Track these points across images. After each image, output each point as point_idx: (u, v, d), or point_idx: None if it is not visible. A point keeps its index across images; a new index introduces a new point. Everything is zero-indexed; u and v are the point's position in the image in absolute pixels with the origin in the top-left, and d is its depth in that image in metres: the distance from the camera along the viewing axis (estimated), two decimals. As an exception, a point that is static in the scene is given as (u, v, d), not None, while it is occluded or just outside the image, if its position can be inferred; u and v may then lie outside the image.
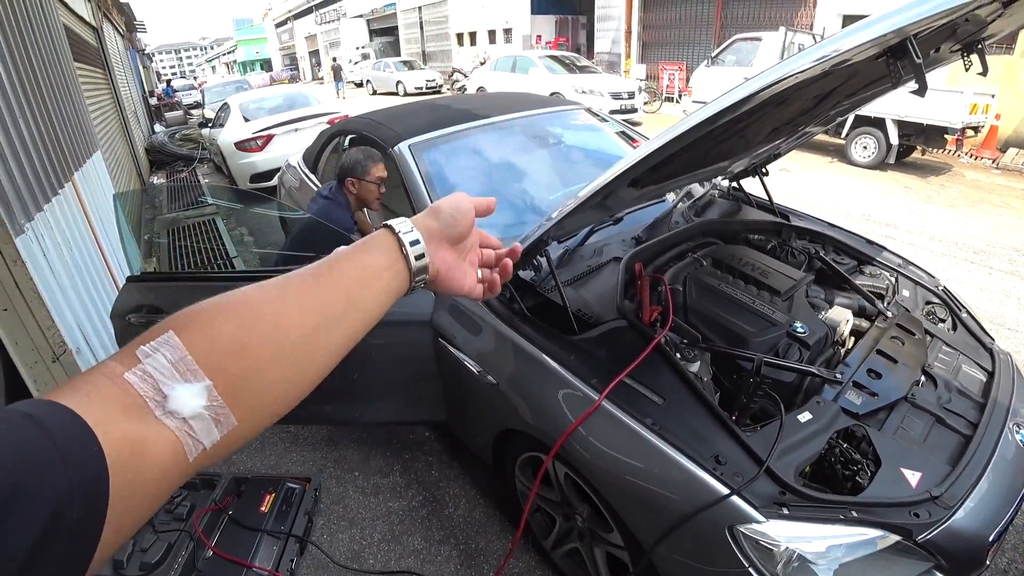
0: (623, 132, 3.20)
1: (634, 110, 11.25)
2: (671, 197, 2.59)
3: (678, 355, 1.63)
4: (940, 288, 2.33)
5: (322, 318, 0.51)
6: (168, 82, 28.95)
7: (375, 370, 2.23)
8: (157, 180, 9.74)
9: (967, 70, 2.00)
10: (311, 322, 0.50)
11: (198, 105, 17.67)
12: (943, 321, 2.19)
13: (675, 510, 1.38)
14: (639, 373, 1.55)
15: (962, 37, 1.83)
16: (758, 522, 1.30)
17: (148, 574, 1.97)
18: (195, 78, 55.09)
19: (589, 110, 3.26)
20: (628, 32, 16.72)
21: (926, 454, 1.53)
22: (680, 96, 13.89)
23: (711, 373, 1.70)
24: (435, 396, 2.21)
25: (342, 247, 0.58)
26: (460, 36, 25.10)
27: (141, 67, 19.49)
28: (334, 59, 30.53)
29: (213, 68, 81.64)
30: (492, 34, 22.82)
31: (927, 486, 1.42)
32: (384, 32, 32.82)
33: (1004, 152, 9.70)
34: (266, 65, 56.02)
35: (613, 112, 10.04)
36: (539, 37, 20.75)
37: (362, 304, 0.55)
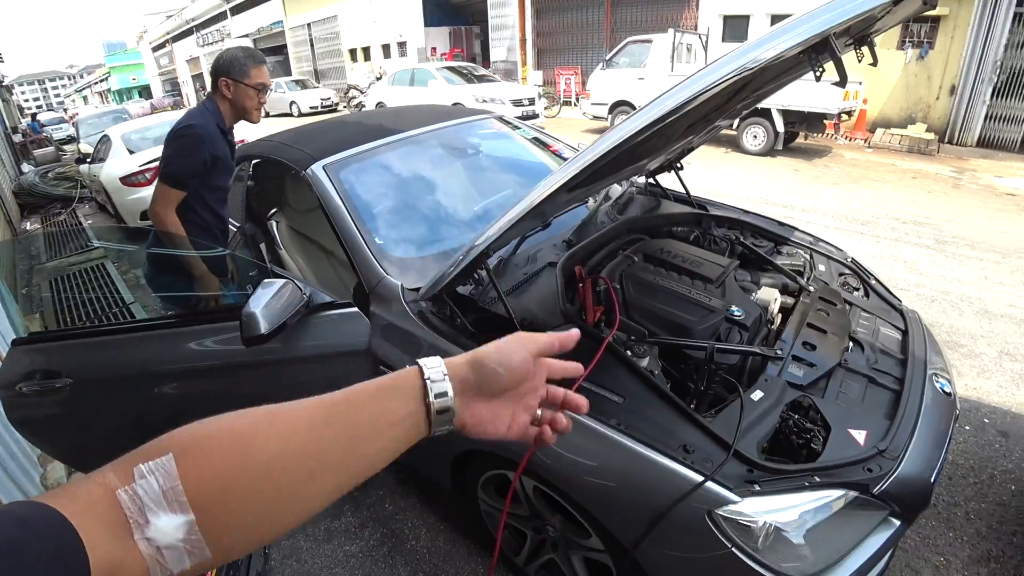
0: (536, 138, 3.22)
1: (535, 116, 11.48)
2: (592, 199, 2.62)
3: (628, 352, 1.64)
4: (849, 260, 2.51)
5: (320, 464, 0.48)
6: (33, 116, 26.49)
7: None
8: (31, 226, 8.85)
9: (860, 61, 2.16)
10: (307, 467, 0.48)
11: (72, 139, 16.25)
12: (857, 290, 2.35)
13: (653, 505, 1.38)
14: (594, 376, 1.54)
15: (854, 32, 1.98)
16: (734, 503, 1.33)
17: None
18: (65, 110, 50.71)
19: (501, 118, 3.26)
20: (523, 40, 17.07)
21: (866, 413, 1.63)
22: (578, 99, 14.32)
23: (660, 366, 1.73)
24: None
25: (365, 383, 0.54)
26: (353, 52, 24.63)
27: (1, 101, 17.68)
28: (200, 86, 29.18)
29: (85, 98, 75.44)
30: (386, 48, 22.55)
31: (873, 442, 1.51)
32: (273, 51, 31.58)
33: (873, 132, 10.71)
34: (145, 92, 52.41)
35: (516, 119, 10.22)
36: (434, 49, 20.73)
37: (368, 453, 0.52)
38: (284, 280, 1.81)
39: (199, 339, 1.97)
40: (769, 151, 9.08)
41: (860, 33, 1.89)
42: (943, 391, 1.86)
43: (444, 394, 0.54)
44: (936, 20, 10.20)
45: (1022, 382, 3.25)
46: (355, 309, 1.96)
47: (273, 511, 0.46)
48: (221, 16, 33.27)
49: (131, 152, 7.04)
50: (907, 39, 10.64)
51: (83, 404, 1.96)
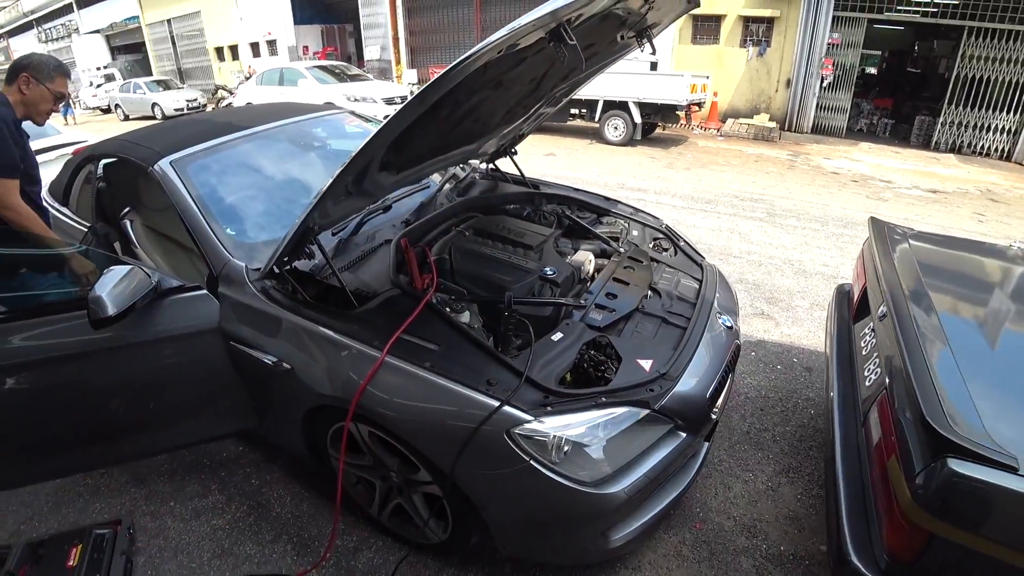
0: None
1: (408, 114, 11.57)
2: (436, 180, 2.86)
3: (448, 309, 1.89)
4: (663, 227, 2.91)
5: None
6: None
7: (171, 391, 2.18)
8: None
9: (641, 51, 2.52)
10: None
11: None
12: (666, 251, 2.74)
13: (463, 432, 1.62)
14: (416, 329, 1.78)
15: (632, 26, 2.32)
16: (528, 422, 1.60)
17: None
18: None
19: (353, 113, 3.41)
20: (396, 38, 17.03)
21: (656, 346, 1.98)
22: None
23: (481, 321, 2.00)
24: (239, 404, 2.22)
25: None
26: (220, 50, 23.23)
27: None
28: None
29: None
30: (255, 47, 21.49)
31: (657, 368, 1.84)
32: (129, 49, 29.06)
33: (724, 122, 11.81)
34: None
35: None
36: (306, 48, 20.10)
37: None
38: (130, 266, 1.89)
39: (48, 328, 1.99)
40: (630, 141, 9.81)
41: (637, 27, 2.22)
42: (725, 325, 2.26)
43: None
44: (771, 21, 11.43)
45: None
46: (204, 291, 2.07)
47: None
48: (67, 9, 30.07)
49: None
50: (748, 38, 11.82)
51: None
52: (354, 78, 12.64)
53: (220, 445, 2.79)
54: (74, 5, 29.17)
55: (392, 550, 2.19)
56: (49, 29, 32.74)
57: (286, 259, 1.92)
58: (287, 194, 2.63)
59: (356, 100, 10.91)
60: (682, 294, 2.34)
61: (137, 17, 26.03)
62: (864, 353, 2.29)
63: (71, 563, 2.04)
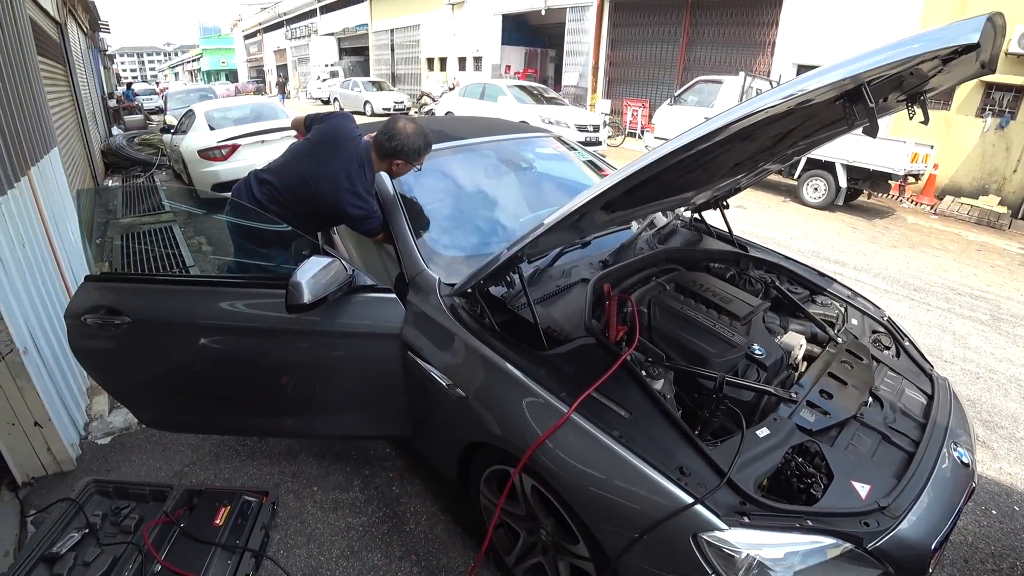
0: (591, 161, 3.30)
1: (599, 143, 11.56)
2: (635, 225, 2.69)
3: (643, 372, 1.70)
4: (885, 319, 2.48)
5: None
6: (129, 85, 28.19)
7: (338, 382, 2.22)
8: (112, 183, 9.45)
9: (911, 118, 2.17)
10: None
11: (159, 111, 17.22)
12: (888, 349, 2.32)
13: (642, 519, 1.42)
14: (606, 388, 1.60)
15: (907, 89, 2.00)
16: (721, 530, 1.36)
17: (91, 590, 1.89)
18: (157, 83, 53.68)
19: (559, 138, 3.36)
20: (595, 67, 17.25)
21: (874, 468, 1.63)
22: (643, 132, 14.37)
23: (674, 391, 1.77)
24: (399, 411, 2.21)
25: None
26: (431, 61, 25.34)
27: (102, 68, 18.94)
28: (279, 75, 30.88)
29: (176, 75, 79.79)
30: (462, 61, 23.14)
31: (875, 498, 1.51)
32: (354, 51, 32.82)
33: (941, 199, 10.35)
34: (232, 76, 55.12)
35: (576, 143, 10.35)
36: (508, 67, 21.16)
37: None
38: (331, 258, 1.94)
39: (247, 301, 2.13)
40: (829, 205, 8.89)
41: (913, 90, 1.91)
42: (960, 460, 1.83)
43: None
44: (1021, 90, 9.85)
45: (1061, 474, 3.11)
46: (393, 295, 2.08)
47: None
48: (311, 13, 34.83)
49: (212, 128, 7.49)
50: (988, 107, 10.29)
51: (136, 343, 2.14)
52: (550, 101, 12.94)
53: (370, 443, 2.83)
54: (318, 10, 33.62)
55: (519, 607, 2.03)
56: (295, 28, 38.05)
57: (482, 282, 1.85)
58: (486, 210, 2.61)
59: (550, 122, 11.14)
60: (907, 408, 1.94)
61: (366, 24, 29.28)
62: None
63: (218, 521, 2.15)
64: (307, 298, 1.81)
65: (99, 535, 2.07)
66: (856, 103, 1.33)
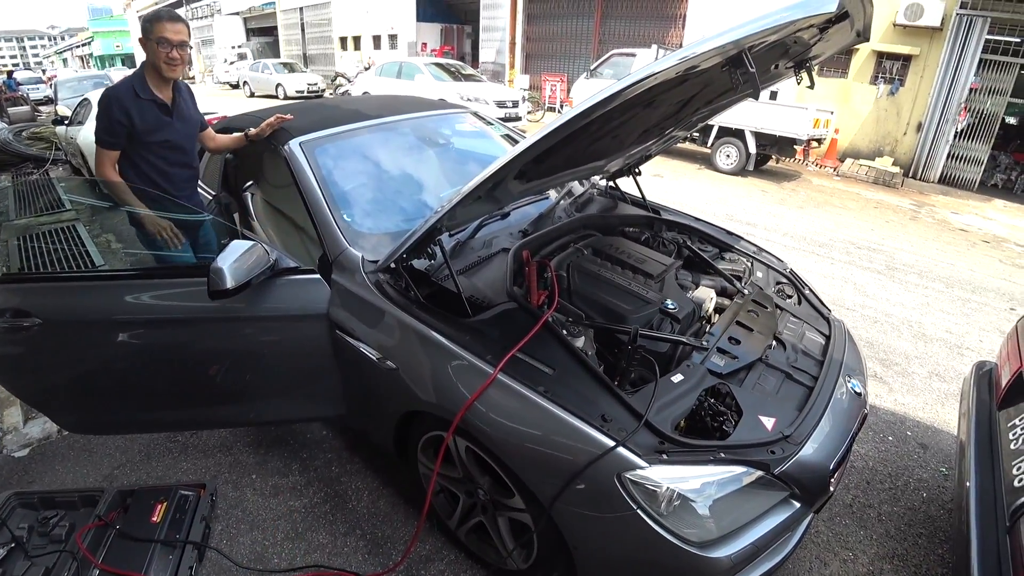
0: (508, 135, 3.36)
1: (518, 118, 11.65)
2: (553, 194, 2.77)
3: (564, 331, 1.79)
4: (788, 270, 2.69)
5: None
6: (10, 74, 25.67)
7: (269, 367, 2.20)
8: (1, 183, 8.68)
9: (799, 83, 2.35)
10: None
11: (49, 101, 15.87)
12: (790, 297, 2.53)
13: (570, 466, 1.52)
14: (530, 349, 1.69)
15: (793, 56, 2.16)
16: (642, 468, 1.47)
17: (23, 601, 1.82)
18: (43, 71, 49.21)
19: (476, 114, 3.39)
20: (512, 43, 17.22)
21: (778, 403, 1.80)
22: (562, 106, 14.53)
23: (595, 348, 1.88)
24: (332, 390, 2.22)
25: None
26: (344, 40, 24.51)
27: (-25, 56, 17.15)
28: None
29: (64, 61, 73.16)
30: (377, 39, 22.52)
31: (780, 428, 1.68)
32: (262, 32, 31.19)
33: (843, 161, 11.10)
34: (128, 60, 51.12)
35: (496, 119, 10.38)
36: (424, 44, 20.77)
37: None
38: (252, 242, 1.92)
39: (166, 291, 2.07)
40: (740, 171, 9.37)
41: (799, 57, 2.07)
42: (854, 391, 2.04)
43: None
44: (908, 59, 10.63)
45: (947, 401, 3.47)
46: (317, 276, 2.08)
47: None
48: (213, -9, 32.77)
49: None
50: (880, 74, 11.06)
51: (50, 345, 2.04)
52: (468, 78, 12.88)
53: (305, 426, 2.82)
54: (219, -13, 31.63)
55: (464, 566, 2.12)
56: (195, 8, 35.67)
57: (405, 256, 1.88)
58: (406, 188, 2.62)
59: (468, 100, 11.08)
60: (807, 349, 2.14)
61: (274, 3, 27.87)
62: (1014, 447, 1.99)
63: (155, 519, 2.11)
64: (230, 283, 1.78)
65: (27, 548, 1.98)
66: (739, 68, 1.43)
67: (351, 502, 2.39)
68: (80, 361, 2.15)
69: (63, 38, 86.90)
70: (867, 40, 2.21)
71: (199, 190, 3.04)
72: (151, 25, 2.37)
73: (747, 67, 1.41)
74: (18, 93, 18.60)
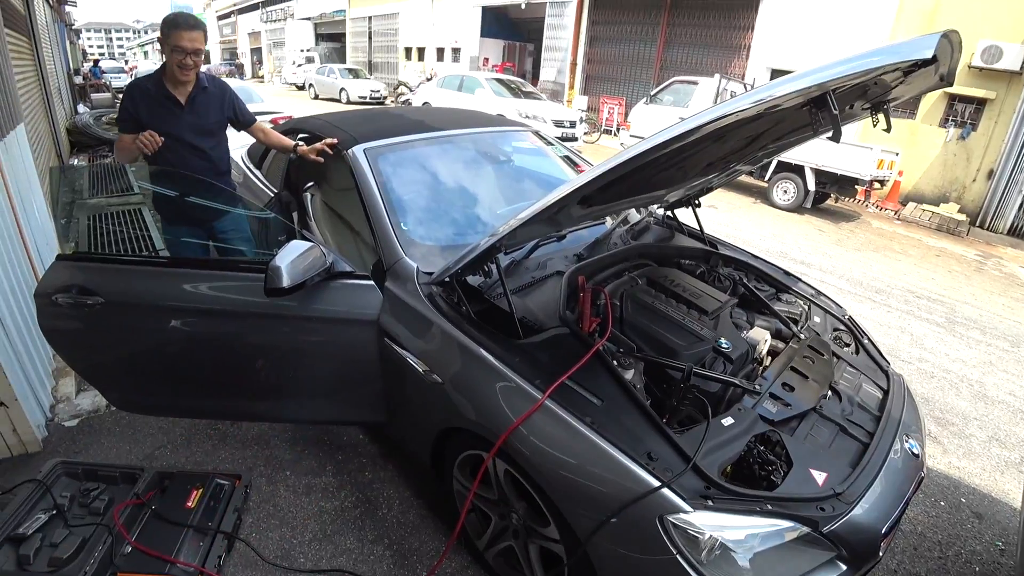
0: (567, 157, 3.35)
1: (575, 139, 11.65)
2: (609, 221, 2.75)
3: (615, 362, 1.75)
4: (846, 317, 2.59)
5: None
6: (96, 62, 27.26)
7: (313, 367, 2.23)
8: (77, 162, 9.17)
9: (875, 126, 2.27)
10: None
11: (128, 90, 16.71)
12: (848, 346, 2.43)
13: (611, 502, 1.48)
14: (579, 377, 1.66)
15: (871, 98, 2.09)
16: (686, 512, 1.42)
17: (58, 570, 1.87)
18: (126, 61, 52.02)
19: (537, 132, 3.40)
20: (573, 64, 17.32)
21: (831, 457, 1.72)
22: (618, 129, 14.50)
23: (644, 381, 1.84)
24: (375, 397, 2.23)
25: None
26: (408, 50, 25.12)
27: (68, 43, 18.30)
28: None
29: (145, 53, 77.23)
30: (441, 52, 23.00)
31: (831, 484, 1.60)
32: (331, 38, 32.31)
33: (905, 205, 10.70)
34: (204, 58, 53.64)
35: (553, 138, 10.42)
36: (486, 59, 21.09)
37: None
38: (311, 243, 1.96)
39: (222, 283, 2.12)
40: (797, 208, 9.13)
41: (877, 99, 2.00)
42: (911, 452, 1.94)
43: None
44: (982, 102, 10.21)
45: (1007, 470, 3.27)
46: (371, 282, 2.10)
47: None
48: (288, -5, 34.14)
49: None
50: (951, 117, 10.65)
51: (109, 324, 2.12)
52: (527, 95, 12.98)
53: (342, 428, 2.85)
54: (294, -8, 32.94)
55: (489, 590, 2.08)
56: (270, 11, 37.23)
57: (460, 271, 1.89)
58: (462, 202, 2.64)
59: (526, 117, 11.15)
60: (864, 402, 2.04)
61: (344, 11, 28.84)
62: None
63: (190, 504, 2.15)
64: (286, 282, 1.82)
65: (67, 516, 2.05)
66: (822, 109, 1.39)
67: (381, 509, 2.39)
68: (135, 342, 2.22)
69: (146, 32, 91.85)
70: (950, 85, 2.13)
71: (259, 185, 3.13)
72: (169, 30, 2.44)
73: (831, 108, 1.37)
74: (102, 80, 19.73)
